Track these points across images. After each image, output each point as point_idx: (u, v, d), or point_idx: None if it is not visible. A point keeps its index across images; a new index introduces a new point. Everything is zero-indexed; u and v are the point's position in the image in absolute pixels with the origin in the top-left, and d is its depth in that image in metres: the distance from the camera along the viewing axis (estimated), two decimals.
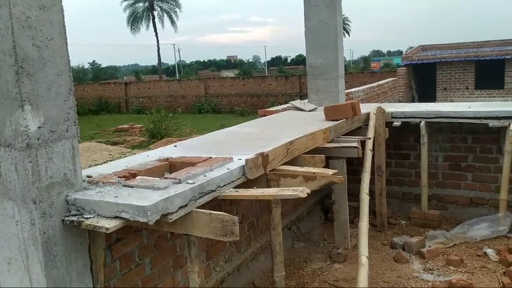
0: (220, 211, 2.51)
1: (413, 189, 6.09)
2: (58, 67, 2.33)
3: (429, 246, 4.84)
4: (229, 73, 66.07)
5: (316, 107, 6.28)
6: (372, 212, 5.39)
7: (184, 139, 5.51)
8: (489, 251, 4.63)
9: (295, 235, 5.37)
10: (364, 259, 3.43)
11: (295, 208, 5.58)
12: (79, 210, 2.37)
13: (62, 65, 2.36)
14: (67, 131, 2.39)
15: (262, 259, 4.67)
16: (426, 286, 4.09)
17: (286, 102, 7.66)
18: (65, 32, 2.38)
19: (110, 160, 11.35)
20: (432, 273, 4.32)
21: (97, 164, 4.45)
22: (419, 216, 5.58)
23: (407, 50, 24.87)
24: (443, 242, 4.94)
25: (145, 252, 3.22)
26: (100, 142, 17.01)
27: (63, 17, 2.37)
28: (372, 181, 4.81)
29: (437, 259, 4.59)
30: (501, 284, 3.95)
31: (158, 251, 3.35)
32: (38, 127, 2.23)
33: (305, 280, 4.33)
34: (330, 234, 5.35)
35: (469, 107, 5.44)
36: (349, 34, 68.36)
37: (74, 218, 2.32)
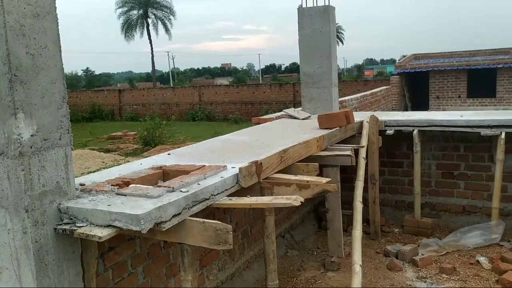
0: (214, 219, 2.51)
1: (406, 197, 6.12)
2: (52, 75, 2.33)
3: (422, 254, 4.84)
4: (223, 81, 66.18)
5: (310, 115, 6.30)
6: (366, 220, 5.40)
7: (178, 147, 5.52)
8: (482, 259, 4.64)
9: (289, 243, 5.37)
10: (357, 267, 3.44)
11: (288, 216, 5.58)
12: (71, 219, 2.35)
13: (55, 73, 2.36)
14: (60, 139, 2.39)
15: (255, 267, 4.65)
16: None
17: (280, 110, 7.70)
18: (59, 40, 2.39)
19: (103, 168, 11.29)
20: (425, 281, 4.33)
21: (90, 172, 4.44)
22: (412, 224, 5.59)
23: (400, 59, 25.07)
24: (436, 250, 4.96)
25: (138, 261, 3.20)
26: (93, 150, 16.92)
27: (57, 25, 2.37)
28: (365, 189, 4.83)
29: (430, 267, 4.60)
30: None
31: (151, 260, 3.34)
32: (31, 135, 2.22)
33: None
34: (324, 242, 5.34)
35: (461, 116, 5.48)
36: (342, 43, 68.78)
37: (67, 227, 2.31)
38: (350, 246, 5.08)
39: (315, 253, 5.21)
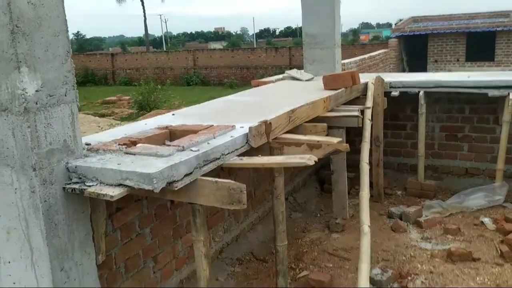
0: None
1: (408, 160, 6.09)
2: (55, 27, 2.20)
3: (426, 216, 4.85)
4: (217, 45, 65.26)
5: (313, 76, 6.18)
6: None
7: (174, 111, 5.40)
8: (486, 220, 4.65)
9: (292, 205, 5.35)
10: (366, 228, 3.40)
11: (291, 179, 5.54)
12: (80, 178, 2.27)
13: (58, 25, 2.22)
14: (65, 95, 2.28)
15: (260, 229, 4.64)
16: (425, 254, 4.11)
17: (276, 74, 7.53)
18: None
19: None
20: (430, 242, 4.34)
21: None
22: (415, 186, 5.58)
23: (397, 22, 24.69)
24: (440, 212, 4.96)
25: (145, 222, 3.16)
26: (88, 114, 16.74)
27: None
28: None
29: (435, 228, 4.60)
30: (499, 252, 3.98)
31: (159, 221, 3.29)
32: (36, 91, 2.11)
33: (304, 250, 4.32)
34: (327, 205, 5.34)
35: (469, 77, 5.38)
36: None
37: (76, 186, 2.23)
38: (353, 208, 5.10)
39: (318, 215, 5.20)
